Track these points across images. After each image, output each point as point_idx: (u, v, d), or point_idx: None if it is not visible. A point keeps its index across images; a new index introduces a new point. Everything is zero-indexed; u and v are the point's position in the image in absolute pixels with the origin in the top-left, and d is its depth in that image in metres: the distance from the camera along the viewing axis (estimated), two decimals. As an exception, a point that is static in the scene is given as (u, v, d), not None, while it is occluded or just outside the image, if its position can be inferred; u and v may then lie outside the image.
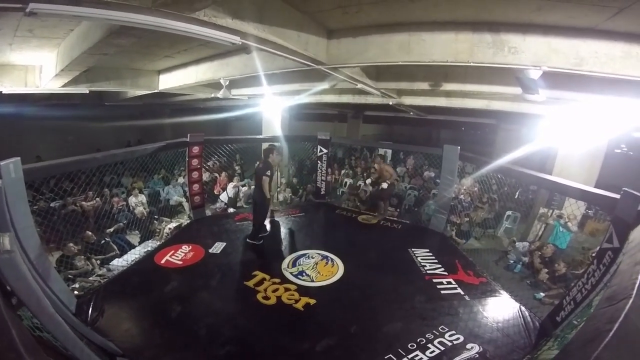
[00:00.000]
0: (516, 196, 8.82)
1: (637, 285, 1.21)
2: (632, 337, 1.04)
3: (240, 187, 8.52)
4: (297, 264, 5.01)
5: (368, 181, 8.35)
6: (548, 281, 5.49)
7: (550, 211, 6.84)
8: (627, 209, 2.84)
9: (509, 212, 7.83)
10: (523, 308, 4.18)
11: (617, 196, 3.03)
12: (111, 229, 6.15)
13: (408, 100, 7.55)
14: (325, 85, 6.28)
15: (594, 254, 3.63)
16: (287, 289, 4.34)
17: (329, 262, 5.10)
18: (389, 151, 12.37)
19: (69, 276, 4.55)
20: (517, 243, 6.59)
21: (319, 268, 4.93)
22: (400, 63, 3.54)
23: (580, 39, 2.92)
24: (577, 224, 6.93)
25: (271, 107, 9.61)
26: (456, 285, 4.59)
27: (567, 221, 6.26)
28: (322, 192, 8.08)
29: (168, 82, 6.53)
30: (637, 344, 1.02)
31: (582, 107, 5.11)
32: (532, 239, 6.57)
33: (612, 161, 8.75)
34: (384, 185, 6.41)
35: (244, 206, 8.00)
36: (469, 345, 3.46)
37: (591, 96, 4.12)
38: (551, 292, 5.16)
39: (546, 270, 5.58)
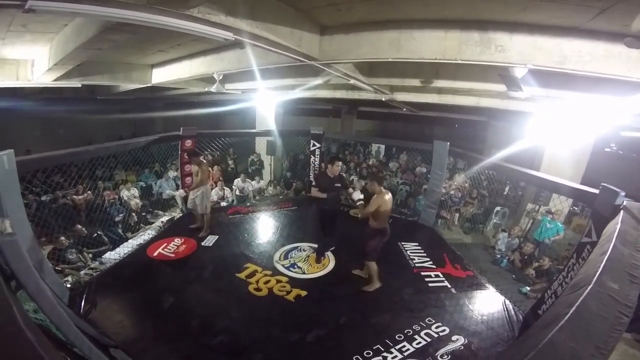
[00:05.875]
0: (505, 192, 8.98)
1: (598, 273, 1.30)
2: (586, 320, 1.12)
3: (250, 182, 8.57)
4: (289, 257, 5.09)
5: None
6: (533, 276, 5.63)
7: (537, 207, 6.98)
8: (605, 204, 2.94)
9: (498, 208, 7.97)
10: (507, 302, 4.31)
11: (596, 191, 3.13)
12: (119, 218, 6.22)
13: (400, 97, 7.63)
14: (319, 81, 6.32)
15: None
16: (278, 281, 4.43)
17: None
18: (382, 146, 12.50)
19: (57, 269, 4.56)
20: (500, 235, 6.72)
21: (311, 260, 5.01)
22: (390, 60, 3.62)
23: (564, 38, 3.00)
24: (564, 220, 7.08)
25: (265, 101, 9.62)
26: (443, 279, 4.71)
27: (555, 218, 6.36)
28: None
29: (161, 76, 6.51)
30: (591, 326, 1.10)
31: (567, 105, 5.22)
32: (518, 234, 6.69)
33: (600, 159, 8.93)
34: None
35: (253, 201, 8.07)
36: (454, 337, 3.58)
37: (575, 94, 4.23)
38: (536, 287, 5.29)
39: (532, 266, 5.73)
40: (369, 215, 4.10)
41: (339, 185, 4.82)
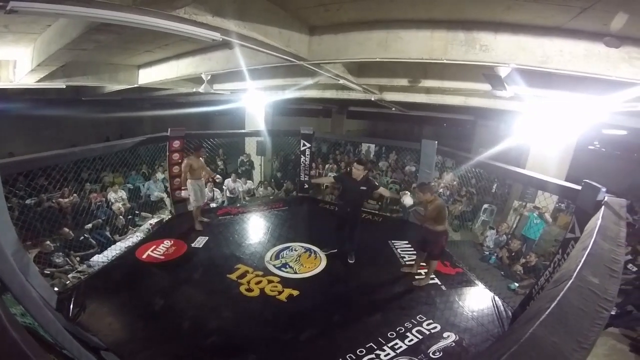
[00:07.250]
0: (493, 190, 9.13)
1: (578, 268, 1.33)
2: (567, 315, 1.15)
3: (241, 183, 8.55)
4: (281, 257, 5.08)
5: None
6: (521, 272, 5.74)
7: (524, 204, 7.12)
8: (587, 200, 3.01)
9: (485, 205, 8.10)
10: (497, 298, 4.38)
11: (579, 187, 3.20)
12: (90, 225, 6.07)
13: (389, 96, 7.68)
14: (308, 81, 6.33)
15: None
16: (270, 281, 4.42)
17: (312, 255, 5.19)
18: (372, 146, 12.60)
19: (46, 272, 4.49)
20: (488, 232, 6.84)
21: (302, 260, 5.02)
22: (378, 60, 3.64)
23: (547, 37, 3.06)
24: (550, 217, 7.23)
25: (254, 102, 9.59)
26: (433, 276, 4.75)
27: (544, 212, 6.49)
28: (306, 186, 8.15)
29: (148, 76, 6.43)
30: (572, 320, 1.13)
31: (551, 104, 5.33)
32: (506, 230, 6.81)
33: (584, 157, 9.17)
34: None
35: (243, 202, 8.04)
36: (445, 334, 3.63)
37: (558, 93, 4.32)
38: (524, 283, 5.40)
39: (520, 263, 5.84)
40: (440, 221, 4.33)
41: (365, 188, 4.62)
